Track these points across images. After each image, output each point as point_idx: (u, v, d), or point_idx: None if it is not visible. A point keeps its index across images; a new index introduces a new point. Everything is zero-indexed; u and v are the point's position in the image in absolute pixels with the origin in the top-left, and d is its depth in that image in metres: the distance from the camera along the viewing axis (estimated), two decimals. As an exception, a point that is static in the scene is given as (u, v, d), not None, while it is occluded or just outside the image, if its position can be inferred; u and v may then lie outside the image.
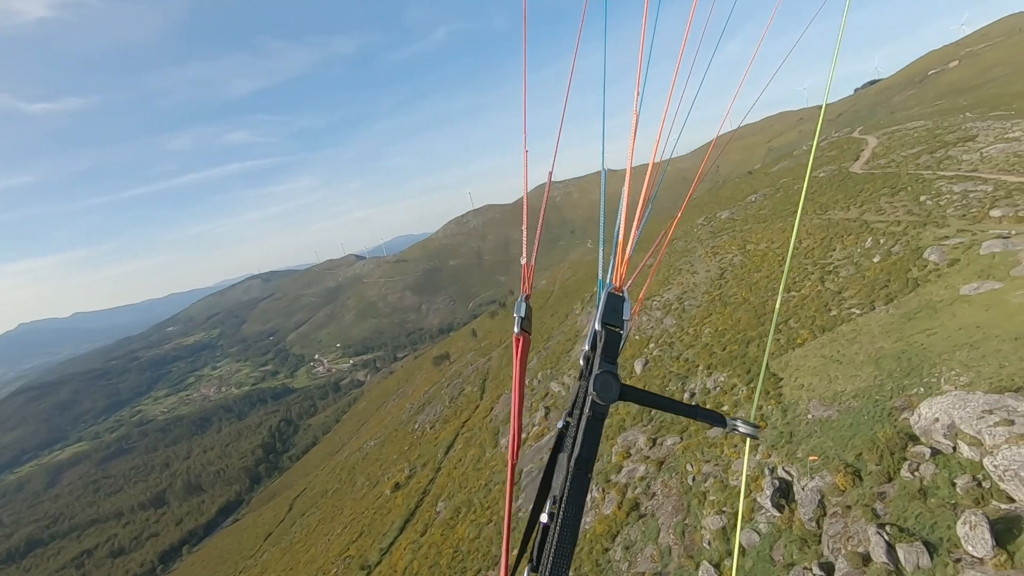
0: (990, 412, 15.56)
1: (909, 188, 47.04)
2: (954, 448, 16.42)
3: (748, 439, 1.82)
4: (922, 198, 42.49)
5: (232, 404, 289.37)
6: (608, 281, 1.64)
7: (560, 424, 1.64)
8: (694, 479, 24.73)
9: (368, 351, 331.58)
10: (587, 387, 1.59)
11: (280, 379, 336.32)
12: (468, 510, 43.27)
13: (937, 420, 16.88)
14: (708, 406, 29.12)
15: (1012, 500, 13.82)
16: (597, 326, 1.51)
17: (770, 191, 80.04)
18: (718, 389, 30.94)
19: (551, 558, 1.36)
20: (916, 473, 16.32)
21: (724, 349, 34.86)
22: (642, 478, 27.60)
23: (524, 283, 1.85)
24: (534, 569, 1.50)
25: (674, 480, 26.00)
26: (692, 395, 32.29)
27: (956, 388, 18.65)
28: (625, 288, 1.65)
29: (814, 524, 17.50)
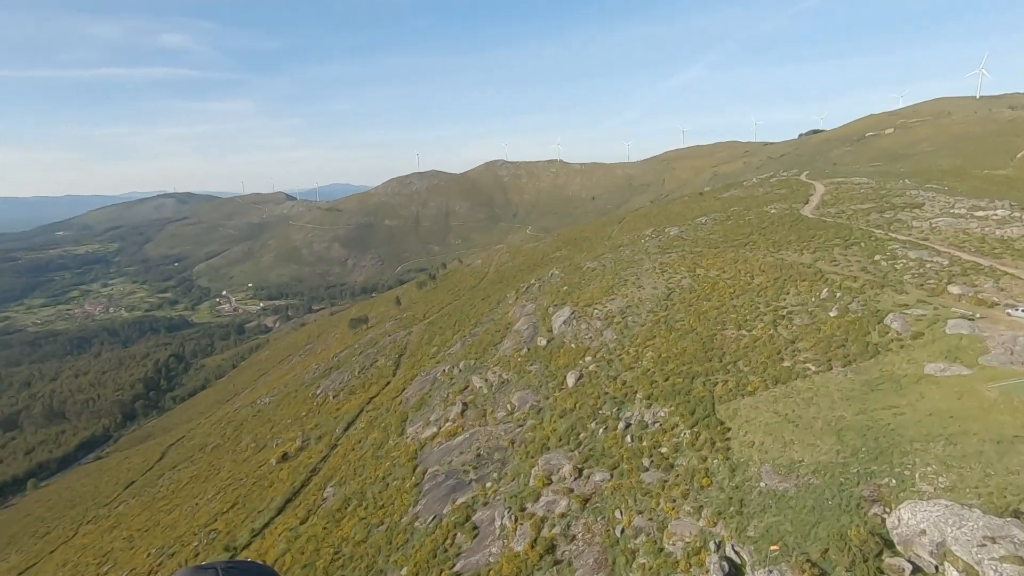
0: (993, 540, 13.41)
1: (862, 244, 46.94)
2: (937, 568, 14.28)
3: None
4: (877, 257, 42.16)
5: (119, 328, 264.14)
6: None
7: None
8: (623, 530, 21.90)
9: (282, 297, 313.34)
10: None
11: (179, 310, 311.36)
12: (359, 504, 38.99)
13: (923, 532, 14.64)
14: (644, 444, 26.49)
15: (1016, 659, 11.71)
16: None
17: (721, 217, 79.84)
18: (657, 425, 28.42)
19: None
20: (895, 593, 14.06)
21: (667, 380, 32.49)
22: (563, 515, 24.56)
23: None
24: None
25: (599, 525, 23.12)
26: (627, 425, 29.65)
27: (936, 490, 16.66)
28: None
29: (768, 631, 14.97)
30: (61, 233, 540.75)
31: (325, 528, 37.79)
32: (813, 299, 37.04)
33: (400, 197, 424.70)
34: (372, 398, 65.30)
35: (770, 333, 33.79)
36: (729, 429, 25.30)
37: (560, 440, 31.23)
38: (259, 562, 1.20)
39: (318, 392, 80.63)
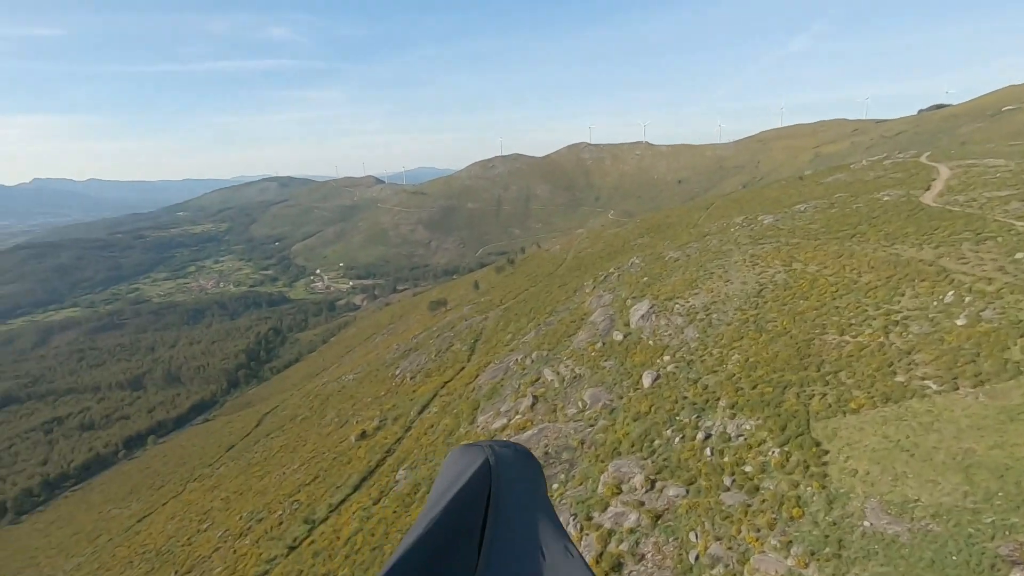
0: None
1: (999, 238, 40.46)
2: (1105, 664, 11.39)
3: None
4: (1019, 255, 36.06)
5: (227, 301, 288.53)
6: None
7: None
8: (697, 557, 19.98)
9: (370, 277, 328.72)
10: None
11: (278, 286, 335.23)
12: (426, 491, 39.30)
13: (1087, 617, 11.74)
14: (726, 459, 24.14)
15: None
16: None
17: (823, 204, 72.70)
18: (742, 439, 25.85)
19: None
20: None
21: (754, 388, 29.57)
22: (632, 530, 22.94)
23: None
24: None
25: (671, 547, 21.30)
26: (707, 436, 27.27)
27: (1103, 560, 13.43)
28: None
29: None
30: (181, 214, 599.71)
31: (395, 512, 38.50)
32: (935, 303, 32.27)
33: (482, 180, 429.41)
34: (446, 383, 66.16)
35: (880, 341, 29.78)
36: (827, 452, 22.40)
37: (632, 446, 29.39)
38: (518, 443, 1.49)
39: (397, 373, 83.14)
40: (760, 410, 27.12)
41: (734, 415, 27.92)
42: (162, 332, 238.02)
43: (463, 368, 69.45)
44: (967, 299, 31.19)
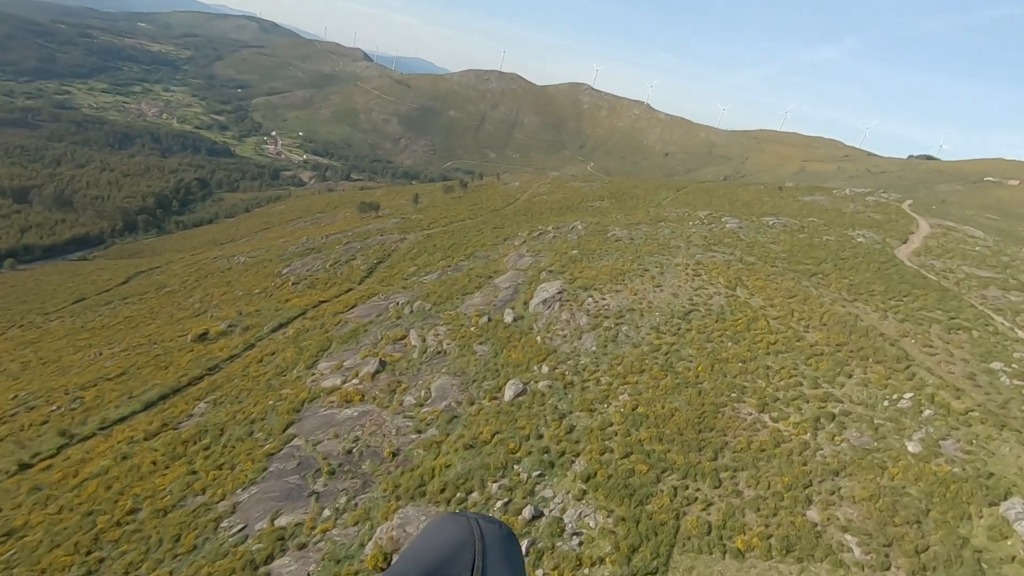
0: None
1: (975, 332, 33.50)
2: None
3: None
4: (995, 365, 29.05)
5: (163, 136, 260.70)
6: None
7: None
8: None
9: (327, 156, 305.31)
10: None
11: (227, 136, 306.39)
12: (210, 446, 30.47)
13: None
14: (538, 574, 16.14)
15: None
16: None
17: (794, 225, 65.12)
18: (575, 543, 17.80)
19: None
20: None
21: (627, 456, 21.54)
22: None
23: None
24: None
25: None
26: (536, 516, 19.14)
27: None
28: None
29: None
30: (142, 25, 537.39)
31: (154, 464, 29.48)
32: (887, 402, 24.84)
33: (472, 91, 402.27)
34: (322, 302, 56.29)
35: (804, 439, 22.14)
36: (675, 621, 14.59)
37: (443, 491, 21.08)
38: (501, 521, 1.60)
39: (284, 271, 72.30)
40: (619, 501, 19.08)
41: (584, 494, 19.83)
42: (77, 147, 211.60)
43: (349, 290, 59.54)
44: (926, 412, 23.82)
